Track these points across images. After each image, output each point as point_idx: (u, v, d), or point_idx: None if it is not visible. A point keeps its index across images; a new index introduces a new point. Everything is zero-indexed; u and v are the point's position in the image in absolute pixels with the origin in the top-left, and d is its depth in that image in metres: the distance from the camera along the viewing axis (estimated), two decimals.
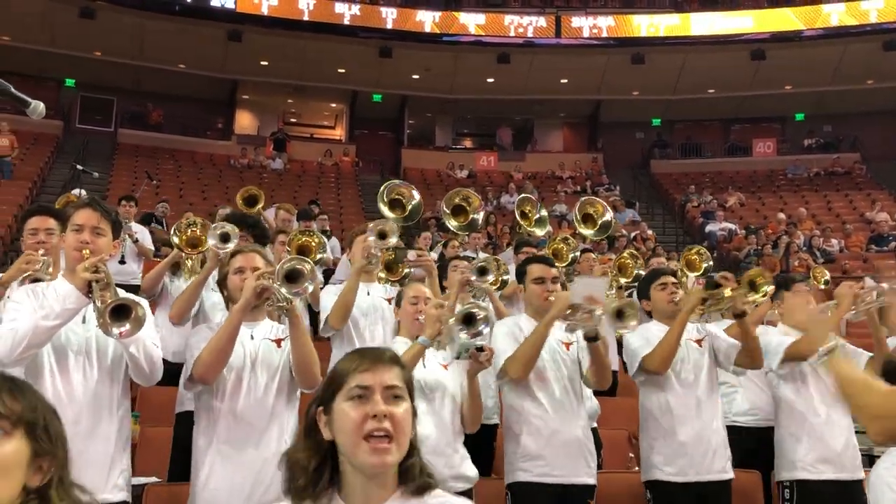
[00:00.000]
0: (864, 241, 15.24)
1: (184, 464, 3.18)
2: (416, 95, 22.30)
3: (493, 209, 15.41)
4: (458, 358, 3.26)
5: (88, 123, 20.77)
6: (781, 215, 16.33)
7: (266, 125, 22.79)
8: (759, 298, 4.45)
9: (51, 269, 3.41)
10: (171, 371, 3.62)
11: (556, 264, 4.43)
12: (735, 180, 20.60)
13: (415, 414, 1.70)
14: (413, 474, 1.66)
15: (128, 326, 2.68)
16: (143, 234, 7.85)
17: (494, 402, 4.38)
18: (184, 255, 4.96)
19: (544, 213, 6.91)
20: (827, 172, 20.57)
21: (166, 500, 3.35)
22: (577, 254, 6.66)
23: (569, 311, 3.47)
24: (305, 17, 19.66)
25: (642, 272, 5.96)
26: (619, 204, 16.64)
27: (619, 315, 3.59)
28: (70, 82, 20.60)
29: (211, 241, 4.01)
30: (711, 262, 6.41)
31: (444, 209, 5.84)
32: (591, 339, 3.51)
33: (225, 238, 4.00)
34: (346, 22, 19.90)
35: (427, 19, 20.44)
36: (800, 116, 22.60)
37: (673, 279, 4.09)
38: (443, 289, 4.69)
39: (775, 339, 4.11)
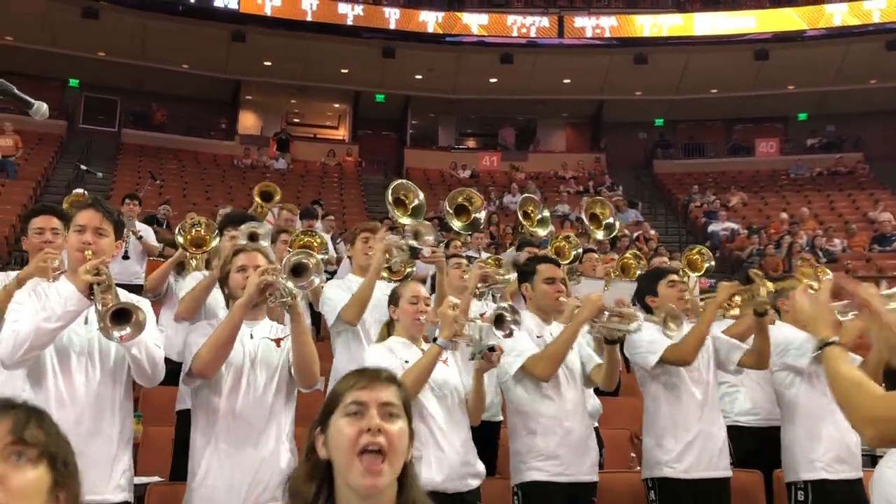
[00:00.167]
0: (866, 241, 15.22)
1: (186, 462, 3.19)
2: (419, 96, 22.31)
3: (496, 209, 15.42)
4: (472, 359, 3.28)
5: (92, 123, 20.81)
6: (784, 215, 16.31)
7: (269, 125, 22.81)
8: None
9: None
10: (175, 371, 3.61)
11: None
12: (738, 180, 20.58)
13: (411, 436, 1.68)
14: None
15: (128, 330, 2.69)
16: (146, 232, 7.86)
17: (499, 399, 4.37)
18: (188, 254, 4.98)
19: (546, 213, 6.95)
20: (830, 172, 20.54)
21: (168, 500, 3.35)
22: (580, 251, 6.68)
23: (598, 315, 3.50)
24: (308, 18, 19.68)
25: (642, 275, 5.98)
26: (622, 204, 16.63)
27: (665, 321, 3.58)
28: (74, 82, 20.64)
29: (241, 242, 4.02)
30: (713, 263, 6.42)
31: (448, 209, 5.86)
32: (613, 342, 3.54)
33: (253, 238, 4.03)
34: (350, 22, 19.92)
35: (430, 19, 20.46)
36: (802, 116, 22.57)
37: (679, 277, 4.09)
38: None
39: (798, 334, 4.01)
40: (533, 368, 3.56)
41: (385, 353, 3.30)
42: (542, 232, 6.87)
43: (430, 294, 4.66)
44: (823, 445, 3.90)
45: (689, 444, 3.72)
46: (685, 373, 3.81)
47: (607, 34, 20.65)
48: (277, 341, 3.08)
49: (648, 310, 4.02)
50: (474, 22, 20.70)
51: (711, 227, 16.48)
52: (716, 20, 20.64)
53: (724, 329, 4.22)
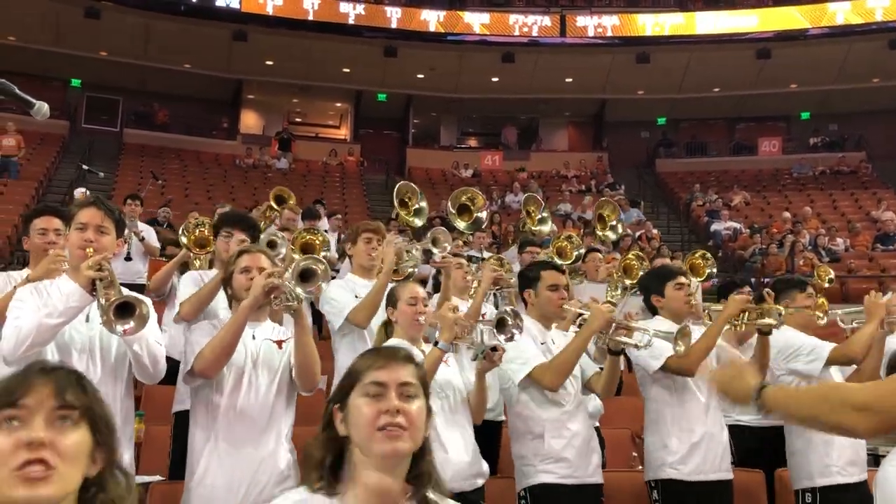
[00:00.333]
0: (869, 241, 15.20)
1: (184, 464, 3.18)
2: (421, 95, 22.31)
3: (498, 208, 15.42)
4: (474, 359, 3.28)
5: (94, 123, 20.83)
6: (787, 214, 16.30)
7: (271, 125, 22.82)
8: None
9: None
10: (176, 370, 3.62)
11: (561, 262, 4.45)
12: (740, 179, 20.56)
13: (429, 412, 1.74)
14: (423, 481, 1.70)
15: (132, 324, 2.69)
16: (148, 232, 7.87)
17: (500, 398, 4.36)
18: (192, 255, 4.98)
19: (545, 214, 7.01)
20: (832, 171, 20.53)
21: (170, 499, 3.35)
22: (581, 251, 6.68)
23: (606, 327, 3.50)
24: (310, 17, 19.70)
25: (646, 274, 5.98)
26: (624, 203, 16.61)
27: (675, 340, 3.57)
28: (76, 82, 20.66)
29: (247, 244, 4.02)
30: (715, 270, 6.42)
31: (451, 209, 5.86)
32: (617, 352, 3.54)
33: (272, 245, 4.03)
34: (351, 21, 19.94)
35: (432, 18, 20.46)
36: (805, 115, 22.55)
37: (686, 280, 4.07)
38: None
39: (807, 340, 4.00)
40: (541, 378, 3.54)
41: None
42: (545, 229, 6.93)
43: (433, 294, 4.67)
44: (837, 450, 3.88)
45: (695, 446, 3.70)
46: (690, 380, 3.79)
47: (609, 33, 20.65)
48: (279, 343, 3.07)
49: (653, 309, 4.00)
50: (476, 21, 20.69)
51: (714, 227, 16.46)
52: (718, 19, 20.63)
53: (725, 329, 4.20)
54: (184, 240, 5.00)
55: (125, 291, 2.77)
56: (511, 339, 3.37)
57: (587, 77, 21.33)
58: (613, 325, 3.49)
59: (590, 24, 20.72)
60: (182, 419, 3.77)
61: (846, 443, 3.85)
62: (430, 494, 1.72)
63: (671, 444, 3.74)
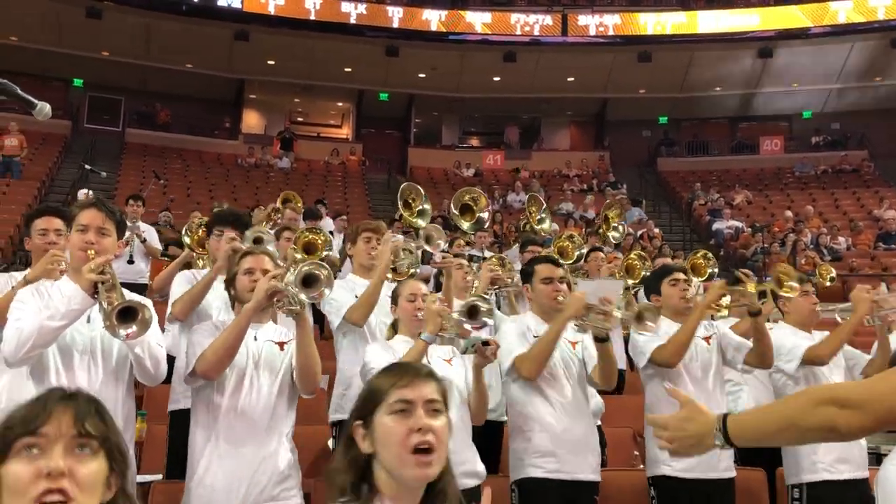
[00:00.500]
0: (871, 239, 15.19)
1: (181, 463, 3.18)
2: (423, 94, 22.32)
3: (500, 208, 15.43)
4: (464, 352, 3.28)
5: (96, 123, 20.86)
6: (788, 213, 16.30)
7: (273, 124, 22.84)
8: (790, 294, 4.30)
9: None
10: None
11: (562, 262, 4.44)
12: (742, 178, 20.56)
13: (450, 427, 1.74)
14: (441, 499, 1.70)
15: (134, 328, 2.69)
16: (150, 233, 7.89)
17: (502, 398, 4.36)
18: (195, 255, 4.98)
19: (544, 214, 7.04)
20: (834, 170, 20.52)
21: (171, 498, 3.36)
22: (583, 251, 6.68)
23: (582, 312, 3.49)
24: (312, 17, 19.72)
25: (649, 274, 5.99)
26: (626, 202, 16.62)
27: (639, 318, 3.57)
28: (78, 82, 20.68)
29: (245, 246, 4.01)
30: (716, 269, 6.42)
31: (453, 209, 5.86)
32: (602, 339, 3.52)
33: (258, 241, 4.03)
34: (353, 21, 19.96)
35: (433, 18, 20.47)
36: (807, 114, 22.53)
37: (684, 276, 4.07)
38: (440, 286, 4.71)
39: (789, 340, 4.04)
40: (520, 368, 3.57)
41: (381, 351, 3.31)
42: (546, 227, 6.96)
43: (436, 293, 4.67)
44: (824, 447, 3.87)
45: None
46: (685, 373, 3.80)
47: (611, 32, 20.65)
48: (281, 345, 3.08)
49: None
50: (478, 20, 20.70)
51: (716, 226, 16.46)
52: (720, 18, 20.62)
53: (730, 327, 4.20)
54: (187, 240, 5.01)
55: (127, 295, 2.77)
56: (482, 327, 3.34)
57: (589, 76, 21.33)
58: (593, 311, 3.45)
59: (591, 23, 20.72)
60: (178, 418, 3.78)
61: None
62: None
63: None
